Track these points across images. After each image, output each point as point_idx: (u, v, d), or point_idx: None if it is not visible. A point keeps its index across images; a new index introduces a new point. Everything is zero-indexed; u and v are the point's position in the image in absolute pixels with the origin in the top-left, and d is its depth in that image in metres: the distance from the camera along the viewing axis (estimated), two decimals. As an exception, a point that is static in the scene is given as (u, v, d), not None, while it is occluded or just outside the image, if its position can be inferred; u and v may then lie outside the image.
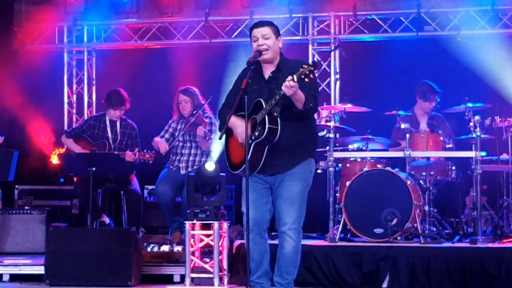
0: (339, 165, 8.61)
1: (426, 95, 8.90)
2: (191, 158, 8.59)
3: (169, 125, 8.82)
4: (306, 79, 5.57)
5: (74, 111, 11.08)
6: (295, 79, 5.57)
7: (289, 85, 5.58)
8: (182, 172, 8.57)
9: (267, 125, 5.77)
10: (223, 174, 7.49)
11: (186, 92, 8.67)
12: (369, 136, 8.50)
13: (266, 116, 5.77)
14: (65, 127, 10.59)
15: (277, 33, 6.02)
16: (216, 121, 8.49)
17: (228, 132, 6.03)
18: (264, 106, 5.79)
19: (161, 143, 8.61)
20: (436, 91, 8.87)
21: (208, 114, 8.66)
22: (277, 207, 6.00)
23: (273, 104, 5.74)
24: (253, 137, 5.83)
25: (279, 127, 5.78)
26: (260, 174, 5.98)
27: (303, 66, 5.58)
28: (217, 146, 8.47)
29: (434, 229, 8.27)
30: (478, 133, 8.00)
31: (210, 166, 7.63)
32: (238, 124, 5.89)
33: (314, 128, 6.16)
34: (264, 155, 5.86)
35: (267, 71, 6.02)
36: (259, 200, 5.99)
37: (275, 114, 5.76)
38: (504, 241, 7.94)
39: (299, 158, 5.98)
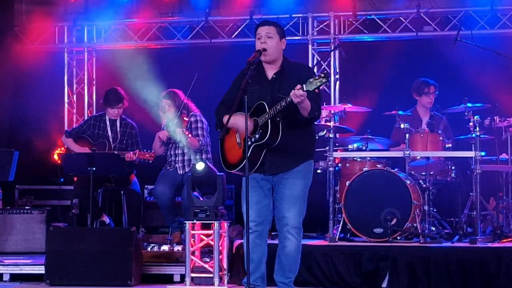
0: (339, 165, 8.62)
1: (420, 89, 8.93)
2: (185, 158, 8.57)
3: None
4: (316, 90, 5.60)
5: (75, 111, 11.10)
6: (305, 89, 5.58)
7: (298, 94, 5.60)
8: (180, 172, 8.56)
9: (269, 130, 5.79)
10: (222, 173, 7.50)
11: (167, 96, 8.59)
12: (369, 136, 8.51)
13: (269, 121, 5.80)
14: (66, 127, 10.60)
15: (281, 34, 6.03)
16: (203, 118, 8.56)
17: (225, 132, 6.04)
18: (267, 110, 5.81)
19: (160, 133, 8.55)
20: (429, 83, 8.90)
21: (194, 112, 8.65)
22: (279, 206, 6.01)
23: (277, 110, 5.76)
24: (253, 139, 5.85)
25: (280, 132, 5.81)
26: (261, 174, 5.99)
27: (315, 77, 5.59)
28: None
29: (434, 229, 8.29)
30: (478, 133, 8.02)
31: (199, 165, 7.67)
32: (240, 124, 5.88)
33: (314, 131, 6.20)
34: (262, 156, 5.88)
35: (270, 71, 6.03)
36: (262, 201, 6.00)
37: (277, 119, 5.79)
38: (503, 241, 7.96)
39: (300, 159, 6.01)
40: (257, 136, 5.84)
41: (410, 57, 10.02)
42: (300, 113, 5.77)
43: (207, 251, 7.73)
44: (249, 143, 5.85)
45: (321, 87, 5.68)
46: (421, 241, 7.89)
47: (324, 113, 8.93)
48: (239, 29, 10.49)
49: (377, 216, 7.93)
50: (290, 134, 5.87)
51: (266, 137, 5.80)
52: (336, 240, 8.10)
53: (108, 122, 8.96)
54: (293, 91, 5.62)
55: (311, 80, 5.59)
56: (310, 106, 5.76)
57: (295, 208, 5.97)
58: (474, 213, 8.05)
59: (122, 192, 8.85)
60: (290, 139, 5.88)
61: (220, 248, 7.48)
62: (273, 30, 5.99)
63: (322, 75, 5.57)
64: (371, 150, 8.58)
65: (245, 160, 5.81)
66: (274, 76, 6.01)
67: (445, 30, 10.00)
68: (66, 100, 11.04)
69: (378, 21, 10.21)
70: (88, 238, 7.65)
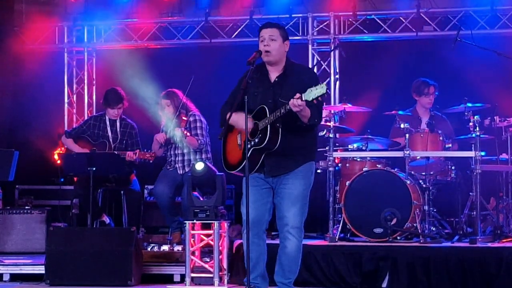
0: (339, 165, 8.62)
1: (419, 89, 8.93)
2: (186, 158, 8.57)
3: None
4: (314, 101, 5.60)
5: (75, 111, 11.10)
6: (303, 98, 5.59)
7: (296, 104, 5.61)
8: (180, 172, 8.56)
9: (268, 135, 5.80)
10: (222, 173, 7.49)
11: (166, 96, 8.60)
12: (369, 136, 8.52)
13: (269, 126, 5.81)
14: (66, 127, 10.60)
15: (284, 36, 6.02)
16: (202, 117, 8.59)
17: (227, 131, 6.05)
18: (267, 115, 5.82)
19: (157, 135, 8.58)
20: (429, 84, 8.90)
21: (193, 112, 8.65)
22: (280, 206, 6.01)
23: (277, 116, 5.77)
24: (252, 143, 5.86)
25: (279, 137, 5.81)
26: (261, 175, 6.00)
27: (315, 87, 5.58)
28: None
29: (434, 228, 8.29)
30: (478, 133, 8.02)
31: (199, 165, 7.68)
32: (240, 122, 5.90)
33: (316, 132, 6.20)
34: (262, 159, 5.90)
35: (273, 74, 6.03)
36: (259, 200, 6.00)
37: (277, 124, 5.80)
38: (503, 241, 7.96)
39: (301, 160, 6.01)
40: (256, 140, 5.86)
41: (410, 57, 10.02)
42: (300, 120, 5.78)
43: (207, 251, 7.73)
44: (249, 146, 5.86)
45: (321, 99, 5.61)
46: (421, 241, 7.89)
47: (324, 113, 8.92)
48: (239, 29, 10.49)
49: (377, 216, 7.93)
50: (290, 137, 5.87)
51: (265, 142, 5.81)
52: (336, 240, 8.10)
53: (108, 122, 8.97)
54: (292, 100, 5.64)
55: (311, 89, 5.59)
56: (310, 113, 5.77)
57: (295, 208, 5.97)
58: (474, 213, 8.05)
59: (122, 192, 8.85)
60: (290, 141, 5.88)
61: (220, 248, 7.48)
62: (276, 33, 5.98)
63: (321, 86, 5.57)
64: (371, 150, 8.58)
65: (244, 162, 5.82)
66: (276, 79, 6.01)
67: (445, 30, 10.00)
68: (66, 100, 11.03)
69: (378, 21, 10.21)
70: (88, 238, 7.66)
